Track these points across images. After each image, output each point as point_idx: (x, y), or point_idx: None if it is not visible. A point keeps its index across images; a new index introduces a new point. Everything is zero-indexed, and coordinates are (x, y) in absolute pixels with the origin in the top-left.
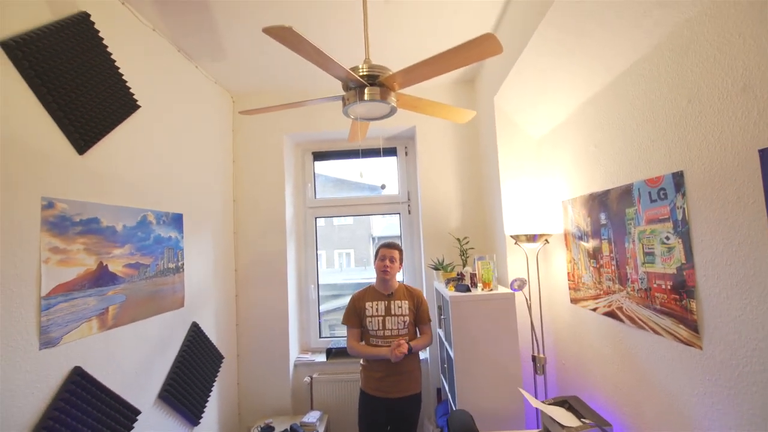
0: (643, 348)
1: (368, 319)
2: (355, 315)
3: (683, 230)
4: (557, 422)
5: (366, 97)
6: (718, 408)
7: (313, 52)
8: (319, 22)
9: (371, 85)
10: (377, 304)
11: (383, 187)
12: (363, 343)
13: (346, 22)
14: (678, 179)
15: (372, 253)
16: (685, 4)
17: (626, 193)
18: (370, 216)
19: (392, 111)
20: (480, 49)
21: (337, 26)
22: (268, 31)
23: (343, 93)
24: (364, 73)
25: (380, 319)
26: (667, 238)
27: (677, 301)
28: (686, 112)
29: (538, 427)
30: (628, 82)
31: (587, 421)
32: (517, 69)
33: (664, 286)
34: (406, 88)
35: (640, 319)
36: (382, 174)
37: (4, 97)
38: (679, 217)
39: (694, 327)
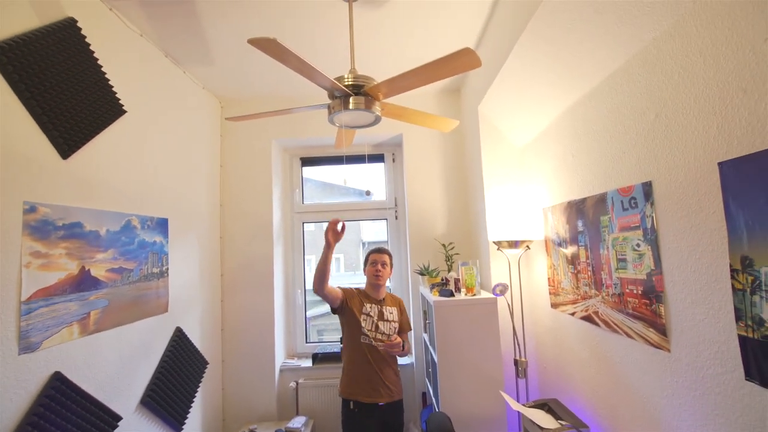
0: (618, 351)
1: (363, 317)
2: (343, 294)
3: (652, 238)
4: (537, 425)
5: (351, 106)
6: (684, 409)
7: (298, 62)
8: (305, 31)
9: (356, 94)
10: (371, 307)
11: (368, 193)
12: (343, 347)
13: (332, 31)
14: (647, 189)
15: (361, 258)
16: (651, 23)
17: (601, 201)
18: (360, 221)
19: (377, 120)
20: (459, 62)
21: (323, 36)
22: (253, 42)
23: (328, 101)
24: (350, 83)
25: (374, 320)
26: (638, 245)
27: (647, 306)
28: (654, 126)
29: (519, 430)
30: (603, 95)
31: (565, 423)
32: (500, 79)
33: (635, 291)
34: (391, 97)
35: (615, 323)
36: (369, 180)
37: None
38: (649, 225)
39: (662, 331)
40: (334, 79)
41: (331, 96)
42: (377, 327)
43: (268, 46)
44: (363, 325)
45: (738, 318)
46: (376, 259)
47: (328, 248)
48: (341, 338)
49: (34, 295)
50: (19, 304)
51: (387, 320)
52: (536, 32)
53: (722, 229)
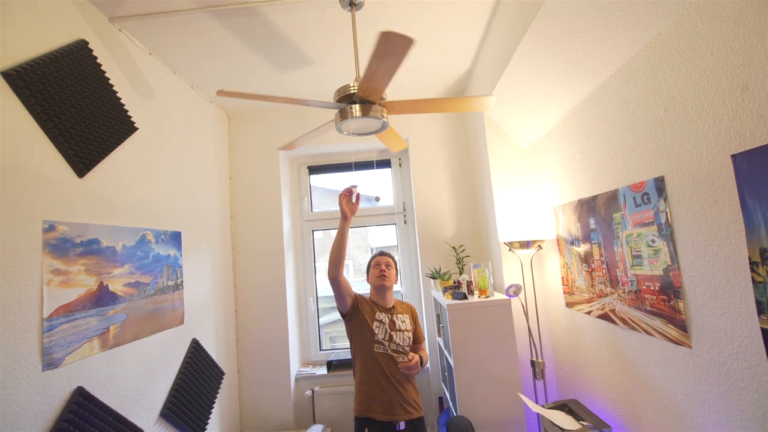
0: (637, 349)
1: (376, 324)
2: (362, 300)
3: (667, 233)
4: (557, 426)
5: (355, 114)
6: (709, 405)
7: (282, 100)
8: (309, 39)
9: (357, 102)
10: (382, 314)
11: (377, 199)
12: (354, 361)
13: (335, 39)
14: (659, 184)
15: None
16: (655, 19)
17: (612, 198)
18: (367, 227)
19: (384, 126)
20: (392, 47)
21: (327, 44)
22: (221, 94)
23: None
24: (354, 91)
25: (387, 329)
26: (653, 240)
27: (665, 302)
28: (663, 121)
29: (539, 431)
30: (610, 92)
31: (586, 423)
32: (505, 80)
33: (652, 288)
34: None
35: (632, 321)
36: (376, 186)
37: (6, 125)
38: (663, 221)
39: (682, 326)
40: (340, 87)
41: (335, 107)
42: (391, 337)
43: (239, 96)
44: (376, 332)
45: (760, 311)
46: (380, 261)
47: (345, 221)
48: (351, 350)
49: (56, 312)
50: (41, 322)
51: (399, 330)
52: (539, 32)
53: (739, 221)
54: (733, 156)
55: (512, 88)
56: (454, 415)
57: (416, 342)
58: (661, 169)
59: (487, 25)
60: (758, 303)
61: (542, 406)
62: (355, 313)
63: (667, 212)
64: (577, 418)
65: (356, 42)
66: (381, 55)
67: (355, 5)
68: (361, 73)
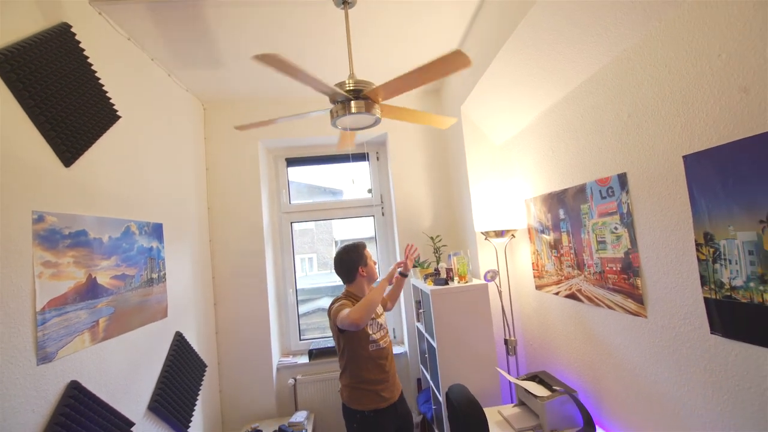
0: (600, 322)
1: (369, 325)
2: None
3: (628, 221)
4: (531, 393)
5: (353, 110)
6: (661, 365)
7: (302, 75)
8: (303, 36)
9: (356, 98)
10: None
11: (370, 191)
12: (346, 361)
13: (329, 37)
14: (623, 179)
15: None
16: (622, 36)
17: (581, 191)
18: (332, 220)
19: (377, 121)
20: (451, 63)
21: (320, 42)
22: (259, 58)
23: (328, 104)
24: (351, 88)
25: (377, 321)
26: (616, 228)
27: (626, 280)
28: (627, 124)
29: (513, 402)
30: (581, 96)
31: (558, 388)
32: (484, 81)
33: (614, 269)
34: (388, 100)
35: (597, 298)
36: (354, 178)
37: None
38: (625, 211)
39: (639, 300)
40: (336, 84)
41: (333, 101)
42: (380, 324)
43: (272, 62)
44: (371, 332)
45: (703, 283)
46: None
47: (390, 279)
48: (338, 351)
49: (48, 305)
50: (34, 315)
51: (380, 314)
52: (520, 40)
53: (687, 211)
54: (684, 156)
55: (490, 89)
56: (436, 393)
57: None
58: (624, 166)
59: (467, 28)
60: (702, 277)
61: (516, 378)
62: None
63: (628, 203)
64: (547, 386)
65: (349, 39)
66: (435, 67)
67: (348, 3)
68: (356, 71)
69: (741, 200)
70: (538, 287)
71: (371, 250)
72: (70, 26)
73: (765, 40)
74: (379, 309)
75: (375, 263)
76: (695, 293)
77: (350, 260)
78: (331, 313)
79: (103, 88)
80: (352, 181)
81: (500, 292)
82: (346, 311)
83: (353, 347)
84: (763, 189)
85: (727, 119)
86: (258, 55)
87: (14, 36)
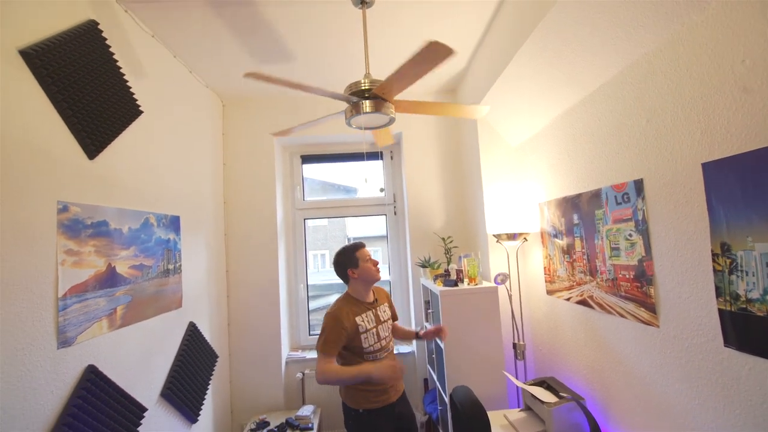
0: (611, 330)
1: (363, 336)
2: (343, 338)
3: (643, 228)
4: (538, 399)
5: (366, 109)
6: (672, 375)
7: (290, 84)
8: (321, 36)
9: (367, 98)
10: (367, 316)
11: (382, 190)
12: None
13: (347, 37)
14: (639, 185)
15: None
16: (643, 40)
17: (595, 196)
18: (346, 218)
19: (391, 120)
20: (434, 55)
21: (338, 41)
22: (247, 75)
23: (341, 106)
24: (366, 87)
25: (374, 331)
26: (630, 235)
27: (639, 288)
28: (645, 130)
29: (519, 406)
30: (598, 100)
31: (565, 395)
32: (500, 83)
33: (627, 276)
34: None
35: (609, 305)
36: (368, 176)
37: (23, 104)
38: (640, 217)
39: (652, 309)
40: (351, 83)
41: (347, 101)
42: (378, 335)
43: (259, 77)
44: (365, 345)
45: (718, 294)
46: (368, 254)
47: (369, 377)
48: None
49: (69, 292)
50: (56, 301)
51: (383, 321)
52: (538, 42)
53: (705, 219)
54: (704, 164)
55: (506, 90)
56: (442, 393)
57: (394, 320)
58: (641, 172)
59: (485, 30)
60: (717, 288)
61: (524, 383)
62: (352, 342)
63: (644, 210)
64: (555, 392)
65: (366, 39)
66: (419, 61)
67: (367, 3)
68: (372, 71)
69: (761, 210)
70: (550, 292)
71: (383, 249)
72: (97, 23)
73: None
74: (386, 314)
75: (376, 263)
76: (709, 304)
77: (340, 263)
78: (322, 323)
79: (127, 83)
80: (365, 180)
81: (510, 296)
82: (320, 358)
83: (351, 355)
84: None
85: (750, 127)
86: (246, 73)
87: (44, 33)
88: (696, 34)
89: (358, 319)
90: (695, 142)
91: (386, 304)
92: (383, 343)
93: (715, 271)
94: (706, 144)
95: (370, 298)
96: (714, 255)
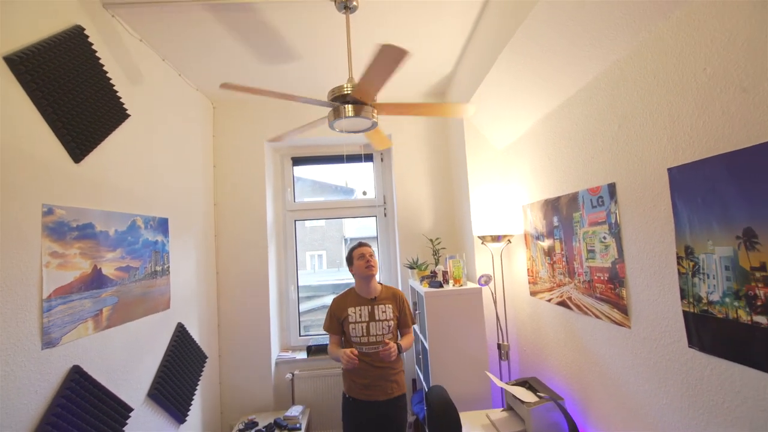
0: (588, 331)
1: (351, 326)
2: (336, 321)
3: (616, 231)
4: (518, 399)
5: (348, 113)
6: (642, 376)
7: (267, 93)
8: (305, 39)
9: (347, 102)
10: (360, 310)
11: (365, 193)
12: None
13: (332, 42)
14: (612, 189)
15: (344, 254)
16: (613, 47)
17: (573, 199)
18: (343, 219)
19: (373, 124)
20: (390, 57)
21: (323, 45)
22: (223, 86)
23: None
24: (347, 92)
25: (363, 325)
26: (604, 237)
27: (612, 290)
28: (617, 135)
29: (503, 406)
30: (575, 105)
31: (543, 395)
32: (484, 87)
33: (602, 278)
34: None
35: (585, 306)
36: (356, 179)
37: (8, 110)
38: (613, 221)
39: (624, 310)
40: (334, 88)
41: (329, 106)
42: (368, 330)
43: (235, 88)
44: (352, 334)
45: (682, 297)
46: (363, 252)
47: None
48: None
49: (54, 293)
50: (41, 302)
51: (379, 320)
52: (516, 49)
53: (670, 223)
54: (669, 169)
55: (490, 95)
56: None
57: (403, 327)
58: (614, 176)
59: (469, 36)
60: (681, 290)
61: (506, 383)
62: (342, 327)
63: (616, 213)
64: (535, 392)
65: (350, 44)
66: (378, 65)
67: (350, 9)
68: (355, 75)
69: (719, 215)
70: (533, 293)
71: (375, 251)
72: (84, 29)
73: (749, 55)
74: (385, 314)
75: (367, 260)
76: (675, 306)
77: (346, 261)
78: None
79: (114, 87)
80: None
81: (494, 297)
82: (330, 337)
83: (345, 342)
84: (739, 205)
85: (710, 134)
86: (222, 84)
87: (29, 38)
88: (662, 42)
89: (350, 310)
90: (662, 147)
91: (390, 305)
92: (372, 338)
93: (679, 273)
94: (671, 149)
95: (371, 294)
96: (679, 258)
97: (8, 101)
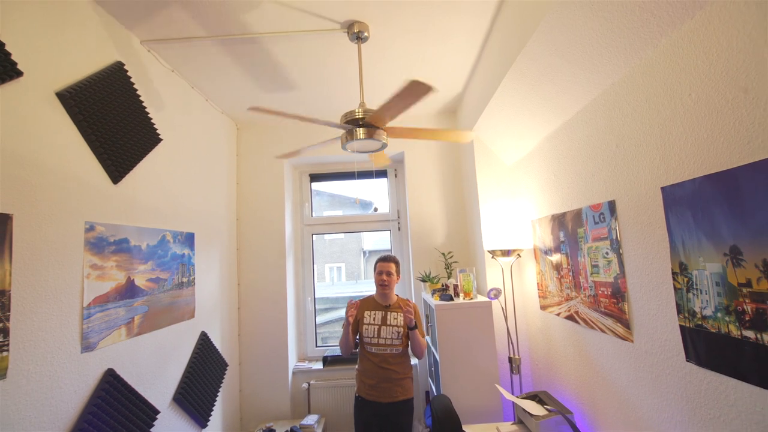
0: (594, 345)
1: (365, 327)
2: (354, 319)
3: (616, 247)
4: (527, 411)
5: (359, 136)
6: (645, 390)
7: (291, 116)
8: (319, 67)
9: (359, 126)
10: (375, 314)
11: (376, 210)
12: (358, 350)
13: (344, 69)
14: (612, 206)
15: (363, 267)
16: (609, 71)
17: (577, 215)
18: (361, 233)
19: (383, 146)
20: (415, 92)
21: (335, 72)
22: (252, 109)
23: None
24: (359, 116)
25: (376, 327)
26: (607, 253)
27: (615, 304)
28: (615, 154)
29: (513, 419)
30: (577, 125)
31: (551, 408)
32: (491, 107)
33: (606, 293)
34: (399, 119)
35: (592, 321)
36: (372, 193)
37: (59, 139)
38: (614, 237)
39: (627, 324)
40: (346, 112)
41: (343, 128)
42: (379, 333)
43: (263, 111)
44: (365, 334)
45: (678, 311)
46: (382, 269)
47: (348, 325)
48: None
49: (93, 302)
50: (81, 310)
51: (390, 325)
52: (520, 71)
53: (665, 240)
54: (662, 188)
55: (497, 114)
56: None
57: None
58: (614, 193)
59: (476, 58)
60: (677, 305)
61: (516, 397)
62: (358, 327)
63: (617, 230)
64: (545, 405)
65: (361, 72)
66: (404, 96)
67: (362, 39)
68: (366, 100)
69: (708, 233)
70: (543, 307)
71: None
72: (123, 64)
73: (728, 83)
74: (396, 321)
75: (381, 274)
76: (672, 321)
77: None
78: None
79: (149, 115)
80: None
81: (505, 312)
82: None
83: (360, 339)
84: (726, 223)
85: (697, 155)
86: (251, 107)
87: (77, 75)
88: (651, 68)
89: (366, 313)
90: (655, 167)
91: (402, 314)
92: (382, 341)
93: (675, 289)
94: (663, 169)
95: (386, 302)
96: (674, 274)
97: (59, 131)
